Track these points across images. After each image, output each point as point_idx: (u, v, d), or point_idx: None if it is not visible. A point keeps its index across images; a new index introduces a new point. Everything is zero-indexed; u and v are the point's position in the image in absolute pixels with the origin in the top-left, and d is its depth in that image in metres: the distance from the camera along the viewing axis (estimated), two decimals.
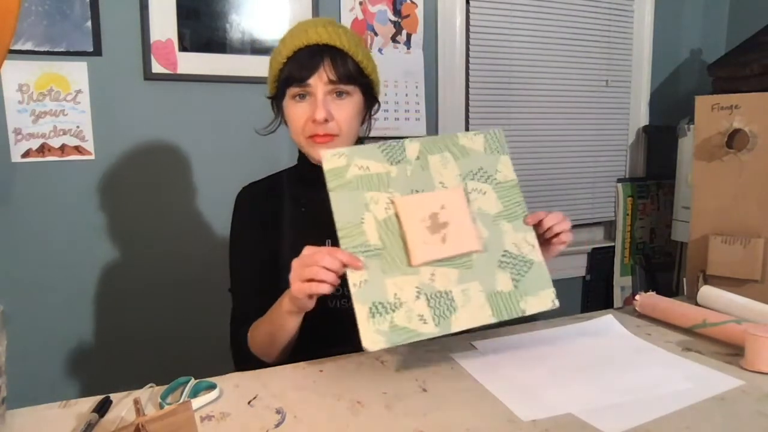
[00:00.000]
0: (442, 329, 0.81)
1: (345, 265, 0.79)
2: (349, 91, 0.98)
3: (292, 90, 0.97)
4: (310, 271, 0.78)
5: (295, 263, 0.80)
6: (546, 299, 0.86)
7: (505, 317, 0.83)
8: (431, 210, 0.85)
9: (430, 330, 0.80)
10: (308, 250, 0.80)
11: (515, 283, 0.86)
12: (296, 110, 0.97)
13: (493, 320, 0.83)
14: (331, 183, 0.84)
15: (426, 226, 0.84)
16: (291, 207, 1.04)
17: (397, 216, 0.84)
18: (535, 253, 0.88)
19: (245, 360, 0.97)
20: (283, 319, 0.87)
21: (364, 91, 1.01)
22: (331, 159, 0.85)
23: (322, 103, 0.94)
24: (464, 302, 0.82)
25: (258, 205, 1.05)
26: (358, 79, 0.99)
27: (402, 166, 0.87)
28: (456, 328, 0.81)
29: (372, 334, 0.78)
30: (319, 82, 0.95)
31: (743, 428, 0.68)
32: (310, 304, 0.83)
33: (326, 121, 0.94)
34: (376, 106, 1.07)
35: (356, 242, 0.82)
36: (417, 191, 0.86)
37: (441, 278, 0.83)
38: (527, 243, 0.88)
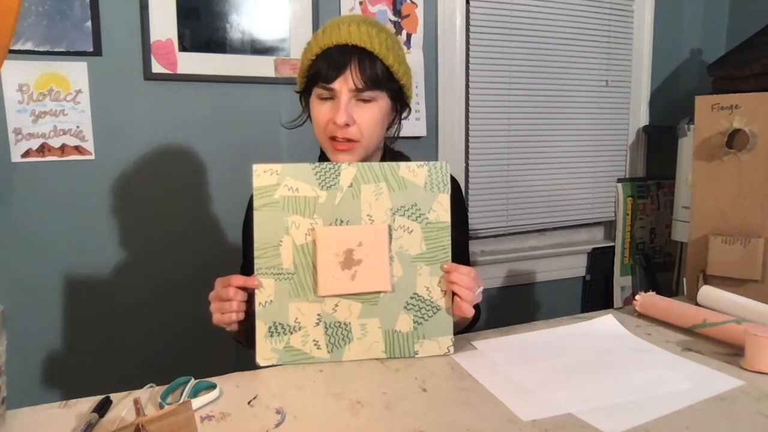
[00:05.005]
0: (334, 357, 0.87)
1: (245, 288, 0.86)
2: (375, 97, 0.95)
3: (317, 90, 0.96)
4: (219, 306, 0.86)
5: (211, 297, 0.88)
6: (442, 345, 0.89)
7: (397, 356, 0.88)
8: (348, 245, 0.86)
9: (322, 355, 0.87)
10: (216, 284, 0.88)
11: (416, 325, 0.88)
12: (320, 110, 0.96)
13: (383, 356, 0.88)
14: (257, 201, 0.86)
15: (339, 260, 0.86)
16: None
17: (314, 243, 0.86)
18: (444, 300, 0.89)
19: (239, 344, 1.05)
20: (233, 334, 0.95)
21: (393, 96, 0.99)
22: (262, 175, 0.86)
23: (344, 107, 0.93)
24: (361, 335, 0.87)
25: None
26: (386, 84, 0.96)
27: (332, 192, 0.86)
28: (347, 358, 0.87)
29: (267, 351, 0.86)
30: (344, 86, 0.93)
31: (743, 428, 0.68)
32: (236, 327, 0.89)
33: (347, 125, 0.94)
34: (407, 111, 1.05)
35: (270, 264, 0.86)
36: (341, 221, 0.87)
37: (343, 310, 0.87)
38: (440, 288, 0.88)
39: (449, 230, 0.88)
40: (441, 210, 0.88)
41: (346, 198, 0.87)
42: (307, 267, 0.86)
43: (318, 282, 0.86)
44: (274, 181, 0.86)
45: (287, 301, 0.86)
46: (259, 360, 0.86)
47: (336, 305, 0.87)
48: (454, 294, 0.87)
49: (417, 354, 0.88)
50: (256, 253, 0.86)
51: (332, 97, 0.95)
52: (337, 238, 0.86)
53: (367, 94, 0.94)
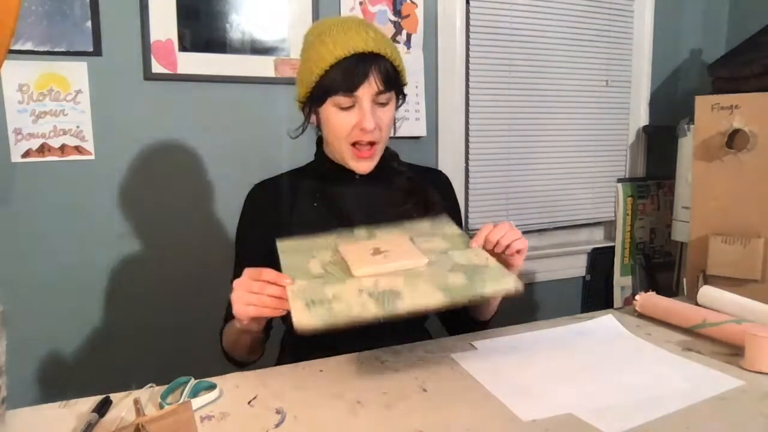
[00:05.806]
0: (388, 311, 0.75)
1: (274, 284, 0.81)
2: (390, 98, 0.99)
3: (337, 99, 0.95)
4: (246, 298, 0.81)
5: (236, 285, 0.82)
6: (507, 284, 0.79)
7: (460, 300, 0.77)
8: (374, 246, 0.89)
9: (371, 311, 0.75)
10: (245, 275, 0.82)
11: (469, 278, 0.80)
12: (340, 118, 0.96)
13: (446, 301, 0.77)
14: (281, 247, 0.90)
15: (368, 253, 0.87)
16: (304, 202, 1.04)
17: (342, 260, 0.87)
18: (489, 262, 0.85)
19: (225, 356, 1.04)
20: (239, 332, 0.91)
21: (398, 93, 1.02)
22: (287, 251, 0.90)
23: (370, 112, 0.95)
24: (411, 292, 0.78)
25: (266, 204, 1.06)
26: (398, 83, 1.00)
27: (349, 237, 0.95)
28: (403, 310, 0.75)
29: (306, 317, 0.73)
30: (368, 92, 0.94)
31: (743, 428, 0.68)
32: (255, 325, 0.86)
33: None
34: (401, 100, 1.07)
35: (299, 272, 0.83)
36: None
37: (385, 281, 0.80)
38: (478, 257, 0.86)
39: (467, 237, 0.93)
40: (449, 227, 0.97)
41: (363, 238, 0.94)
42: (338, 270, 0.84)
43: (351, 266, 0.83)
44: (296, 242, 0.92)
45: (322, 287, 0.80)
46: (299, 325, 0.72)
47: (376, 282, 0.80)
48: (506, 251, 0.90)
49: (483, 294, 0.78)
50: (283, 272, 0.82)
51: (353, 105, 0.96)
52: (362, 245, 0.90)
53: (384, 97, 0.97)
